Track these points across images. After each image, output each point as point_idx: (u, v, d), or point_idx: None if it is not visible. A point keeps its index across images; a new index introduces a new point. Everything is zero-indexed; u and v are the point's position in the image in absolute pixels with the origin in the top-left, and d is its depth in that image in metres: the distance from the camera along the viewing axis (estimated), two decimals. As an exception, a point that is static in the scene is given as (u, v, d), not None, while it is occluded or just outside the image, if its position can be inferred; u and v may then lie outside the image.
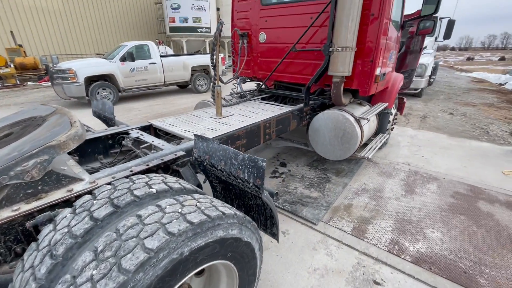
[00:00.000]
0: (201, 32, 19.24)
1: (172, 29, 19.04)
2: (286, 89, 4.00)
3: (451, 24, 8.19)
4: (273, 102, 3.58)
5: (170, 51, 16.16)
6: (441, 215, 2.70)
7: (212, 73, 3.15)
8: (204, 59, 10.00)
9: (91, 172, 1.56)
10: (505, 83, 13.63)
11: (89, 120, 5.05)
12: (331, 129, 3.20)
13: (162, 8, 19.47)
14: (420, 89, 8.50)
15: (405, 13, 3.93)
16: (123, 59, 8.08)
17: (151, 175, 1.40)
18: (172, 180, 1.36)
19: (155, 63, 8.76)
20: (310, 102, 3.50)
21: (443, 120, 6.27)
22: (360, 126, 3.10)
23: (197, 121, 2.59)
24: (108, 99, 8.06)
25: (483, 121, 6.23)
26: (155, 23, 21.31)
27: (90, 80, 7.72)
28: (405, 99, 4.98)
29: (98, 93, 7.76)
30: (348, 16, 2.61)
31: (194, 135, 1.71)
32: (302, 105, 3.30)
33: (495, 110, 7.41)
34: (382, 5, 2.75)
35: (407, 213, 2.74)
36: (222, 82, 3.25)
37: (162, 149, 1.93)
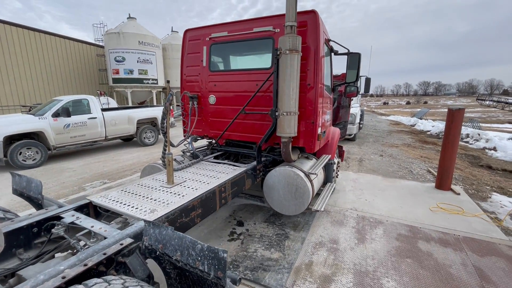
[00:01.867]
0: (148, 83, 19.20)
1: (116, 80, 18.54)
2: (237, 146, 4.11)
3: (368, 81, 9.89)
4: (226, 161, 3.60)
5: (113, 102, 15.48)
6: (392, 261, 2.88)
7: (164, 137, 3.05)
8: (151, 112, 9.80)
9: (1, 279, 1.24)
10: (415, 124, 16.66)
11: (4, 187, 4.26)
12: (284, 185, 3.32)
13: (105, 60, 19.11)
14: (353, 135, 9.73)
15: (334, 73, 4.67)
16: (56, 115, 7.35)
17: (109, 278, 1.18)
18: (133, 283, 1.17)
19: (95, 117, 8.18)
20: (262, 159, 3.64)
21: (376, 162, 7.15)
22: (310, 181, 3.29)
23: (146, 193, 2.40)
24: (34, 160, 7.00)
25: (406, 161, 7.32)
26: (96, 73, 20.54)
27: (11, 139, 6.69)
28: (343, 147, 5.58)
29: (20, 153, 6.70)
30: (289, 87, 2.95)
31: (144, 221, 1.56)
32: (255, 163, 3.39)
33: (412, 150, 8.84)
34: (316, 76, 3.21)
35: (363, 264, 2.84)
36: (173, 145, 3.18)
37: (104, 237, 1.69)
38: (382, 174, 6.07)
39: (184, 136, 3.82)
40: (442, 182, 5.03)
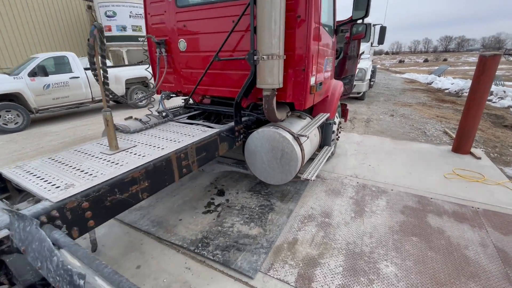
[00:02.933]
0: (144, 41, 17.86)
1: (109, 39, 17.27)
2: (220, 104, 3.45)
3: (383, 30, 8.60)
4: (201, 122, 2.99)
5: (108, 63, 14.58)
6: (394, 240, 2.39)
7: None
8: (139, 71, 9.00)
9: None
10: (432, 82, 15.25)
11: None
12: (268, 150, 2.73)
13: (95, 16, 17.62)
14: (362, 93, 8.78)
15: (338, 19, 3.74)
16: (32, 74, 6.71)
17: None
18: None
19: (77, 77, 7.50)
20: (243, 119, 3.00)
21: (385, 123, 6.40)
22: (300, 144, 2.68)
23: (78, 162, 1.86)
24: (16, 123, 6.60)
25: (420, 121, 6.53)
26: (88, 31, 19.15)
27: (-14, 102, 6.21)
28: (347, 106, 4.84)
29: (-1, 117, 6.28)
30: (270, 18, 2.17)
31: (8, 210, 1.02)
32: (232, 123, 2.77)
33: (428, 109, 7.94)
34: (308, 5, 2.38)
35: (358, 243, 2.36)
36: (136, 105, 2.56)
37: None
38: (391, 136, 5.39)
39: (147, 93, 3.16)
40: (461, 145, 4.33)
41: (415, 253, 2.23)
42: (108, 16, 16.77)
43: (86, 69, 7.93)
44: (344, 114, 4.78)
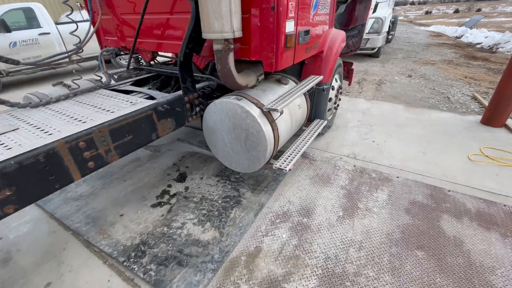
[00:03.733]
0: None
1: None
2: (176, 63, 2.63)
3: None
4: (145, 90, 2.25)
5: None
6: (390, 255, 1.76)
7: None
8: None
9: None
10: (461, 36, 13.23)
11: None
12: (230, 129, 2.01)
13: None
14: (377, 49, 7.48)
15: None
16: (-7, 30, 5.88)
17: None
18: None
19: (48, 33, 6.61)
20: (200, 84, 2.23)
21: (400, 86, 5.37)
22: (271, 122, 1.93)
23: None
24: (-14, 87, 6.02)
25: (443, 83, 5.45)
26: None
27: None
28: (353, 65, 3.88)
29: (-38, 80, 5.67)
30: None
31: None
32: (180, 92, 2.01)
33: (454, 68, 6.70)
34: None
35: (340, 258, 1.75)
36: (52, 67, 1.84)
37: None
38: (405, 102, 4.46)
39: (77, 45, 2.36)
40: (494, 115, 3.43)
41: (418, 278, 1.61)
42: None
43: (57, 23, 6.98)
44: (348, 75, 3.85)
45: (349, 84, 3.97)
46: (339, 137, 3.34)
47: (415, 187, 2.39)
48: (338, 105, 3.49)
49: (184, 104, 2.03)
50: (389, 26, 8.78)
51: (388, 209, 2.15)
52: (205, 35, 1.60)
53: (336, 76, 3.21)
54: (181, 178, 2.64)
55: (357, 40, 4.12)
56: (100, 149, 1.53)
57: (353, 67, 3.81)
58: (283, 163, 2.04)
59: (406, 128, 3.52)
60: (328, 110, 3.18)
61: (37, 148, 1.27)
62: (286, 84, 2.34)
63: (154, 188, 2.52)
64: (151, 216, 2.17)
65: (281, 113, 1.95)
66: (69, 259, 1.84)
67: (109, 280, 1.68)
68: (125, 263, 1.76)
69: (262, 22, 1.67)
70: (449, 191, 2.33)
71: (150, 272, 1.70)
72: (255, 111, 1.86)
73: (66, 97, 1.97)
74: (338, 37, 2.80)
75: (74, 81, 2.25)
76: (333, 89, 3.10)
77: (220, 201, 2.30)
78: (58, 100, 1.91)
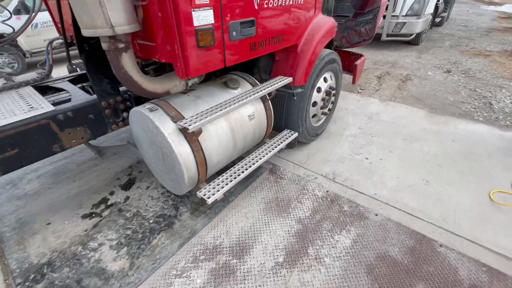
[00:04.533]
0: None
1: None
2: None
3: None
4: (76, 88, 1.98)
5: None
6: (319, 337, 1.31)
7: None
8: None
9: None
10: (542, 18, 10.63)
11: None
12: (148, 144, 1.67)
13: None
14: (415, 35, 6.26)
15: None
16: (16, 12, 6.15)
17: None
18: None
19: (66, 14, 6.75)
20: (123, 87, 1.88)
21: (431, 84, 4.39)
22: (191, 141, 1.52)
23: None
24: (12, 67, 6.45)
25: (490, 83, 4.32)
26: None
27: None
28: (361, 59, 3.17)
29: (-11, 60, 6.12)
30: None
31: None
32: (94, 97, 1.69)
33: (514, 62, 5.31)
34: None
35: (252, 328, 1.35)
36: None
37: None
38: (429, 107, 3.61)
39: (9, 35, 2.13)
40: (548, 136, 2.52)
41: None
42: None
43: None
44: (351, 70, 3.17)
45: (353, 82, 3.27)
46: (325, 149, 2.77)
47: (395, 233, 1.82)
48: (330, 109, 2.88)
49: (102, 109, 1.72)
50: (438, 6, 7.30)
51: (345, 262, 1.65)
52: (82, 31, 1.22)
53: (327, 74, 2.61)
54: (128, 185, 2.40)
55: (371, 27, 3.33)
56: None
57: (358, 62, 3.09)
58: (209, 191, 1.65)
59: (416, 143, 2.79)
60: (313, 116, 2.63)
61: None
62: (235, 88, 1.87)
63: (95, 194, 2.32)
64: (74, 230, 1.98)
65: (197, 133, 1.51)
66: (-24, 270, 1.74)
67: (-5, 306, 1.53)
68: (18, 287, 1.59)
69: (161, 12, 1.22)
70: (441, 245, 1.72)
71: (34, 304, 1.50)
72: (167, 128, 1.47)
73: (-24, 96, 1.79)
74: (322, 26, 2.18)
75: (8, 76, 2.07)
76: (319, 90, 2.51)
77: (151, 221, 2.01)
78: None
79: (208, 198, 1.60)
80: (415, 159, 2.56)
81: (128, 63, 1.32)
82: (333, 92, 2.76)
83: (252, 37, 1.58)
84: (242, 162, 1.91)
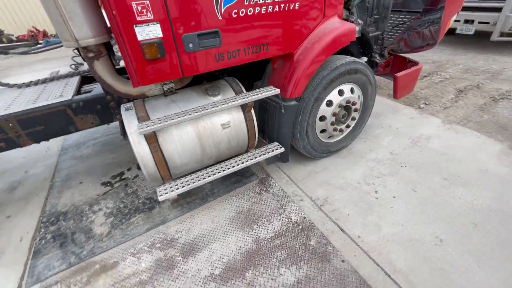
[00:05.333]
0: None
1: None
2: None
3: None
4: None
5: None
6: None
7: None
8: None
9: None
10: None
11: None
12: (130, 137, 1.92)
13: None
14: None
15: None
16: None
17: None
18: None
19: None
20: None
21: (541, 108, 3.12)
22: (150, 142, 1.67)
23: None
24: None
25: None
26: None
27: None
28: (408, 70, 2.60)
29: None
30: None
31: None
32: (102, 91, 2.04)
33: None
34: None
35: (157, 324, 1.46)
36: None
37: None
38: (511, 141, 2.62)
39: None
40: None
41: None
42: None
43: None
44: (398, 83, 2.62)
45: (395, 97, 2.68)
46: (333, 169, 2.46)
47: (350, 290, 1.52)
48: (349, 126, 2.51)
49: (108, 102, 2.07)
50: None
51: (275, 299, 1.51)
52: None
53: (346, 87, 2.26)
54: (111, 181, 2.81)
55: (437, 28, 2.59)
56: (10, 134, 1.86)
57: (401, 73, 2.51)
58: (167, 189, 1.79)
59: (460, 188, 2.13)
60: (322, 131, 2.36)
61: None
62: (214, 95, 1.89)
63: (118, 168, 2.83)
64: (91, 193, 2.50)
65: (150, 136, 1.62)
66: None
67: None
68: (40, 225, 2.19)
69: (112, 28, 1.35)
70: (401, 327, 1.34)
71: (41, 240, 2.04)
72: (131, 127, 1.66)
73: (42, 82, 2.44)
74: (329, 33, 1.88)
75: (78, 64, 2.70)
76: (329, 104, 2.23)
77: (141, 201, 2.33)
78: (29, 85, 2.39)
79: (161, 195, 1.75)
80: (445, 208, 1.98)
81: (100, 69, 1.55)
82: (355, 107, 2.38)
83: (217, 47, 1.55)
84: (212, 168, 1.95)
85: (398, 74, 2.50)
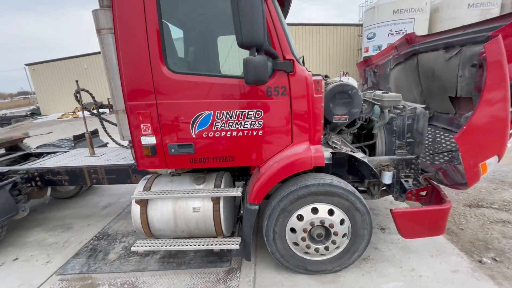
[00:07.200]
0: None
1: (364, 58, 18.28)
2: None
3: None
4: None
5: (352, 80, 16.01)
6: None
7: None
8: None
9: None
10: None
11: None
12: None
13: (361, 39, 19.33)
14: None
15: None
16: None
17: None
18: None
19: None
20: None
21: None
22: (141, 205, 2.40)
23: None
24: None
25: None
26: (355, 54, 21.54)
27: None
28: (433, 206, 2.26)
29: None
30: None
31: None
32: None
33: None
34: None
35: None
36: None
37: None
38: None
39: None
40: None
41: None
42: (368, 38, 17.87)
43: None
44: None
45: (401, 235, 2.20)
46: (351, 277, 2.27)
47: None
48: (328, 249, 2.32)
49: (151, 170, 3.08)
50: None
51: None
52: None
53: (322, 206, 2.24)
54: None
55: (457, 165, 2.07)
56: (100, 175, 3.16)
57: (408, 209, 2.14)
58: (142, 244, 2.39)
59: None
60: (295, 244, 2.35)
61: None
62: (198, 184, 2.46)
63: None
64: (131, 228, 3.47)
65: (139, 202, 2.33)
66: (103, 221, 3.71)
67: (85, 239, 3.28)
68: (93, 237, 3.27)
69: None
70: None
71: (85, 247, 3.05)
72: (136, 191, 2.47)
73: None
74: (289, 157, 2.11)
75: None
76: (300, 219, 2.27)
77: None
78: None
79: (134, 246, 2.35)
80: None
81: (134, 153, 2.53)
82: (334, 230, 2.24)
83: (191, 154, 2.20)
84: (183, 240, 2.41)
85: (395, 210, 2.17)
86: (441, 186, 2.49)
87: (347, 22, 19.97)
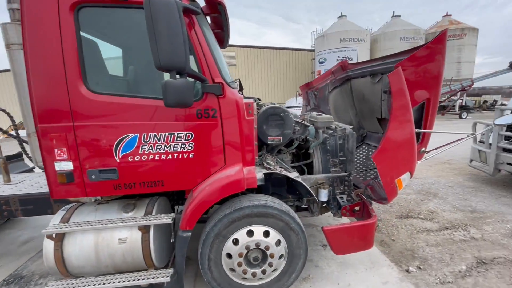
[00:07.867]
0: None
1: (318, 81, 19.83)
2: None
3: None
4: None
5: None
6: None
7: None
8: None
9: None
10: None
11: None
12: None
13: (313, 64, 21.02)
14: None
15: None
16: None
17: None
18: None
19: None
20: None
21: None
22: (56, 240, 2.10)
23: None
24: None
25: None
26: (309, 77, 23.14)
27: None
28: (359, 222, 2.35)
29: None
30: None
31: None
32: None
33: None
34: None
35: None
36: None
37: None
38: None
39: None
40: None
41: None
42: (320, 63, 19.38)
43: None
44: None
45: (333, 251, 2.29)
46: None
47: None
48: (265, 273, 2.27)
49: (78, 197, 2.76)
50: None
51: None
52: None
53: (257, 228, 2.22)
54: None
55: (376, 182, 2.28)
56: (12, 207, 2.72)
57: (337, 226, 2.23)
58: (52, 286, 2.06)
59: None
60: (232, 270, 2.25)
61: None
62: (127, 212, 2.26)
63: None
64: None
65: (50, 236, 2.04)
66: (18, 260, 3.16)
67: None
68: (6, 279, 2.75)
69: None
70: None
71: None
72: (50, 225, 2.16)
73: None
74: (221, 180, 2.08)
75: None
76: (235, 243, 2.20)
77: (68, 287, 2.62)
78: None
79: (46, 286, 2.02)
80: None
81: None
82: (270, 252, 2.21)
83: (115, 180, 2.02)
84: (107, 277, 2.14)
85: (326, 227, 2.25)
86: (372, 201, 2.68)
87: (302, 47, 21.57)
